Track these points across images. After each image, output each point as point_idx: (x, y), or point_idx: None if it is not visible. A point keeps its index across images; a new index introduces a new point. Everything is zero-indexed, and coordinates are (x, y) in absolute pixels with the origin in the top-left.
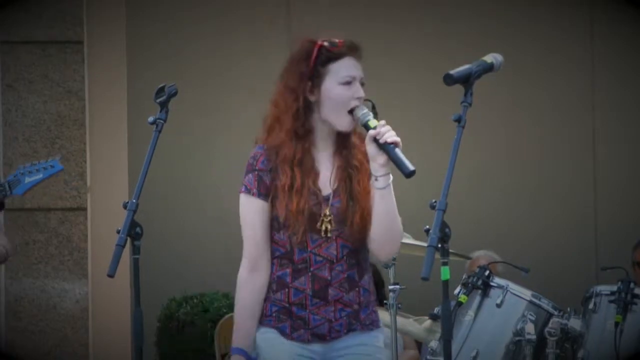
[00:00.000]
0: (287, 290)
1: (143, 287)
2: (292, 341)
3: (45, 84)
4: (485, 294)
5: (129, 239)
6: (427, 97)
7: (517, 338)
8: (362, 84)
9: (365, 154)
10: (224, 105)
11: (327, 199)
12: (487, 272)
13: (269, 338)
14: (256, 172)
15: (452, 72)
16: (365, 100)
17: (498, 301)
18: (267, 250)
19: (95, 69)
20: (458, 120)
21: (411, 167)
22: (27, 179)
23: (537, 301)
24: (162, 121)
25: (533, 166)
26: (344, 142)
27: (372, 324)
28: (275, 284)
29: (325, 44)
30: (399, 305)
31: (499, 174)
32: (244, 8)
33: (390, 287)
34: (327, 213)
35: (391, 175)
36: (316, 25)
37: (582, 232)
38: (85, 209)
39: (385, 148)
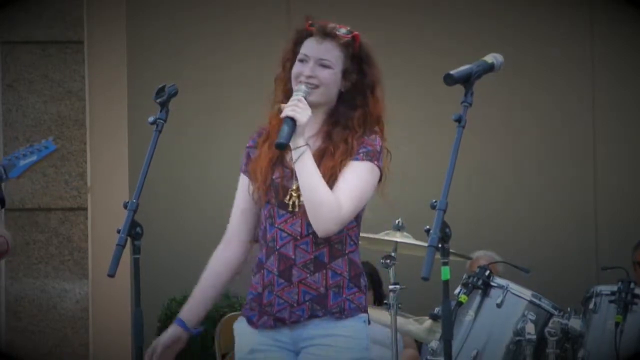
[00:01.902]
0: (262, 272)
1: (143, 287)
2: (257, 329)
3: (45, 84)
4: (485, 294)
5: (129, 238)
6: (427, 97)
7: (518, 338)
8: (325, 66)
9: (347, 140)
10: (224, 105)
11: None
12: (487, 272)
13: (239, 327)
14: (246, 150)
15: (452, 72)
16: None
17: (498, 301)
18: (242, 228)
19: (95, 69)
20: (458, 120)
21: (279, 140)
22: (22, 162)
23: (537, 301)
24: (162, 121)
25: (533, 166)
26: (330, 125)
27: (343, 313)
28: (256, 266)
29: (300, 27)
30: (399, 305)
31: (499, 174)
32: (243, 8)
33: (391, 287)
34: (295, 187)
35: (306, 149)
36: None
37: (582, 232)
38: (85, 209)
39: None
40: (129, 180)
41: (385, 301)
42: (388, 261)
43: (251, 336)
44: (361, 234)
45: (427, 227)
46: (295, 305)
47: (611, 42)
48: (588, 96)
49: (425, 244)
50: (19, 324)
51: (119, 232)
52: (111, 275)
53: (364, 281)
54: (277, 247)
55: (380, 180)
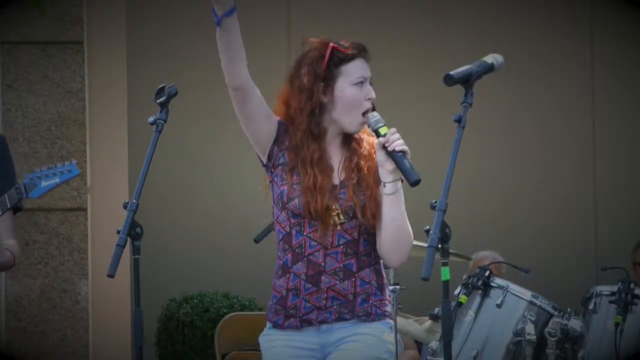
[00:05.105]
0: (288, 275)
1: (143, 287)
2: (283, 331)
3: (45, 85)
4: (485, 294)
5: (129, 239)
6: (427, 97)
7: (518, 338)
8: (371, 84)
9: (372, 146)
10: (224, 105)
11: (333, 189)
12: (487, 273)
13: (267, 341)
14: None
15: (452, 72)
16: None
17: (498, 301)
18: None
19: (95, 69)
20: (458, 120)
21: (416, 177)
22: (44, 183)
23: (537, 301)
24: (162, 121)
25: (533, 166)
26: (350, 136)
27: (369, 316)
28: (281, 269)
29: (337, 45)
30: (399, 306)
31: (499, 174)
32: (244, 8)
33: (391, 287)
34: (335, 207)
35: (400, 182)
36: (316, 26)
37: (582, 232)
38: (85, 209)
39: (394, 156)
40: (128, 180)
41: None
42: None
43: (282, 349)
44: None
45: (427, 227)
46: (322, 309)
47: (611, 42)
48: (588, 96)
49: (425, 245)
50: (19, 324)
51: (118, 232)
52: (111, 275)
53: (388, 291)
54: (306, 254)
55: None
